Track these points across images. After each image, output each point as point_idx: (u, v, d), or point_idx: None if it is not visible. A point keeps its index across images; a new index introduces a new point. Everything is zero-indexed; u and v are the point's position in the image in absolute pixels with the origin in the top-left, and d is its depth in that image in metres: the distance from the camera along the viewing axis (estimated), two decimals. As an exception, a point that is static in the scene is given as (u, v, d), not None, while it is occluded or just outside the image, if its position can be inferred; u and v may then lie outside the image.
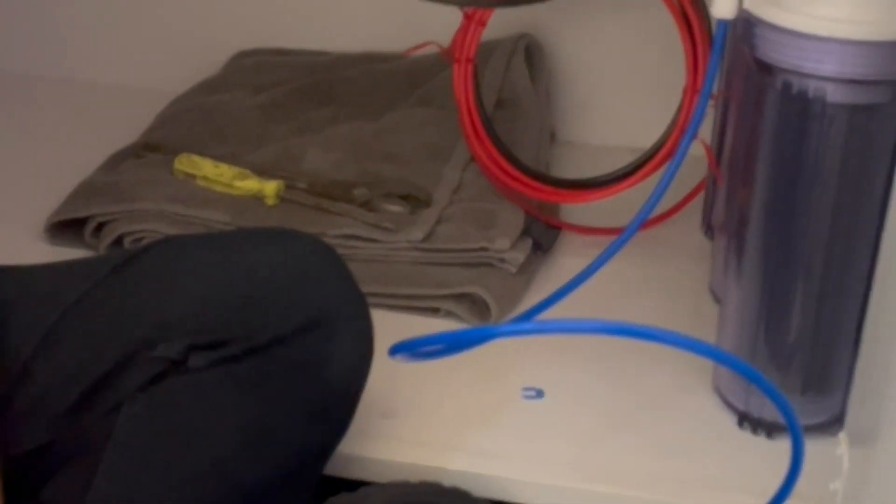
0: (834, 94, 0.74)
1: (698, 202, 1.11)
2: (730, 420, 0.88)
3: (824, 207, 0.78)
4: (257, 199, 1.07)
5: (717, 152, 1.03)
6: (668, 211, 1.09)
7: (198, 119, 1.21)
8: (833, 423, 0.85)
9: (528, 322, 0.77)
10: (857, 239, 0.79)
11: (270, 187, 1.07)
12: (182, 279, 0.73)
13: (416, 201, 1.06)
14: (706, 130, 1.01)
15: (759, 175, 0.79)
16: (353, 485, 0.80)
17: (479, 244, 1.00)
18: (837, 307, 0.82)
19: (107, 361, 0.70)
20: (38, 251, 1.05)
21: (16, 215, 1.11)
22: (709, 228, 1.09)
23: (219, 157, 1.11)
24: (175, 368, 0.69)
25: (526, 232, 1.04)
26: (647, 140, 1.05)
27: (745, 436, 0.87)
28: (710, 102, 0.94)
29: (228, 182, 1.08)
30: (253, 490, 0.71)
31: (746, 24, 0.77)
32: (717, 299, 0.97)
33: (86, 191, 1.09)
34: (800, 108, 0.75)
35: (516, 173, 1.06)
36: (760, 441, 0.86)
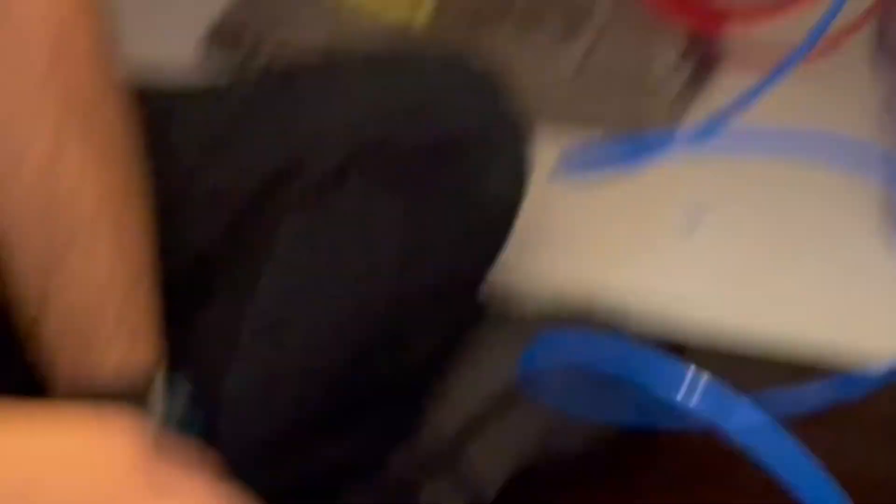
0: None
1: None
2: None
3: None
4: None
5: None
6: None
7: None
8: None
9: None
10: None
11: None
12: (341, 94, 0.72)
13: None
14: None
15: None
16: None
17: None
18: None
19: (271, 166, 0.69)
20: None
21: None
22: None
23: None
24: (335, 181, 0.68)
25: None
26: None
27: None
28: None
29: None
30: (406, 311, 0.71)
31: None
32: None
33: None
34: None
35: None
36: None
